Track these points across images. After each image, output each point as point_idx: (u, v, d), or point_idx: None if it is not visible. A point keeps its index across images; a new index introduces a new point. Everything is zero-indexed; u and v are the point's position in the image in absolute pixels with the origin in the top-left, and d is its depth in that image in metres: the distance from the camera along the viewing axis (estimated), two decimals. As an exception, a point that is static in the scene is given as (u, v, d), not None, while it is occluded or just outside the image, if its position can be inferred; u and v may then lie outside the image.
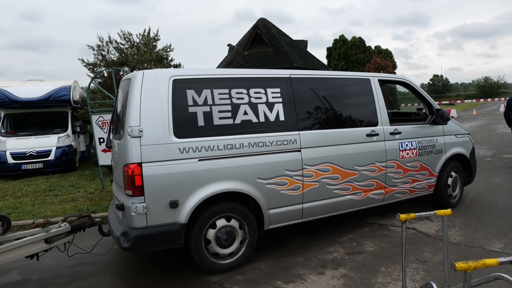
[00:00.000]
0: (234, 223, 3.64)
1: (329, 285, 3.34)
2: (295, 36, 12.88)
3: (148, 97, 3.25)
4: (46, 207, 6.54)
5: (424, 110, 5.45)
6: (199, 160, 3.37)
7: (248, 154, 3.61)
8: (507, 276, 1.94)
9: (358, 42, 17.04)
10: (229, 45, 12.36)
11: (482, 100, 57.97)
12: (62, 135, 11.14)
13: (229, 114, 3.55)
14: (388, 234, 4.56)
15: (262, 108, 3.74)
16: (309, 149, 3.95)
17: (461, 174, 5.53)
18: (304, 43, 13.46)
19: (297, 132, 3.90)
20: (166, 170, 3.24)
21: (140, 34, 17.64)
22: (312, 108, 4.07)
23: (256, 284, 3.42)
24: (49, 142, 10.69)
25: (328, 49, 18.34)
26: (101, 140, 7.89)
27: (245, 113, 3.64)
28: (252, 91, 3.73)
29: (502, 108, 26.98)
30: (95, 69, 14.78)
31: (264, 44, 11.32)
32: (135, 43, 17.21)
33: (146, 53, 16.13)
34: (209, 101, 3.48)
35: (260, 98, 3.76)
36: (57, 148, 10.77)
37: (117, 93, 4.16)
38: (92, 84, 10.72)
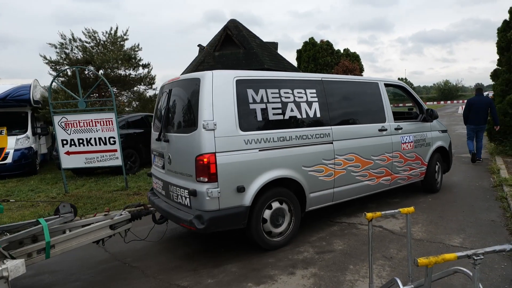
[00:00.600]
0: (284, 206, 4.20)
1: (299, 284, 3.38)
2: (265, 38, 13.01)
3: (218, 94, 3.69)
4: (2, 214, 6.15)
5: (414, 110, 6.36)
6: (259, 150, 3.91)
7: (295, 145, 4.21)
8: (465, 269, 2.05)
9: (326, 45, 17.39)
10: (199, 45, 12.23)
11: (442, 102, 61.11)
12: (21, 136, 10.55)
13: (280, 111, 4.14)
14: (356, 232, 4.68)
15: (303, 106, 4.37)
16: (339, 141, 4.66)
17: (441, 163, 6.52)
18: (274, 45, 13.57)
19: (330, 127, 4.59)
20: (235, 159, 3.72)
21: (106, 32, 17.07)
22: (339, 107, 4.78)
23: (227, 287, 3.40)
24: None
25: (298, 51, 18.59)
26: (64, 142, 7.55)
27: (292, 110, 4.24)
28: (295, 91, 4.34)
29: (460, 110, 28.55)
30: (57, 67, 14.13)
31: (234, 45, 11.30)
32: (101, 42, 16.62)
33: (113, 52, 15.62)
34: (264, 99, 4.04)
35: (302, 97, 4.38)
36: (15, 150, 10.19)
37: (165, 92, 4.50)
38: (54, 83, 10.23)
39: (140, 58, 17.34)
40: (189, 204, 3.83)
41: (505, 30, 9.35)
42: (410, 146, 5.72)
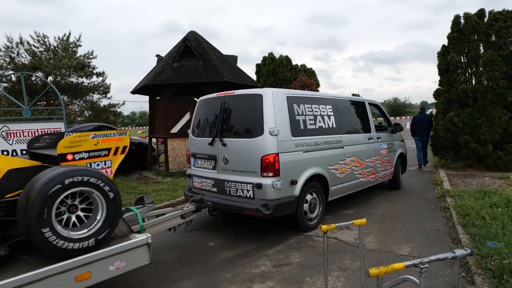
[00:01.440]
0: (315, 196, 5.30)
1: (257, 299, 3.35)
2: (223, 51, 13.07)
3: (277, 107, 4.72)
4: None
5: (384, 123, 7.95)
6: (303, 152, 5.01)
7: (323, 149, 5.39)
8: (412, 277, 2.16)
9: (285, 61, 17.87)
10: (157, 55, 12.00)
11: (392, 118, 64.92)
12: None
13: (313, 122, 5.31)
14: (312, 244, 4.77)
15: (325, 118, 5.58)
16: (347, 146, 5.95)
17: (401, 166, 8.14)
18: (234, 58, 13.69)
19: (341, 135, 5.85)
20: (290, 158, 4.75)
21: (58, 37, 16.24)
22: (345, 119, 6.08)
23: (183, 304, 3.28)
24: None
25: (257, 65, 18.89)
26: (5, 153, 6.97)
27: (319, 121, 5.44)
28: (320, 106, 5.53)
29: (408, 126, 30.49)
30: (0, 72, 13.16)
31: (194, 57, 11.23)
32: (52, 47, 15.77)
33: (65, 58, 14.87)
34: (304, 112, 5.17)
35: (324, 111, 5.59)
36: None
37: (212, 104, 5.33)
38: (-4, 90, 9.50)
39: (94, 66, 16.69)
40: (252, 196, 4.67)
41: (444, 54, 10.23)
42: (385, 151, 7.23)
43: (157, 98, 11.80)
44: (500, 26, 9.01)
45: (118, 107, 17.88)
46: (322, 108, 5.57)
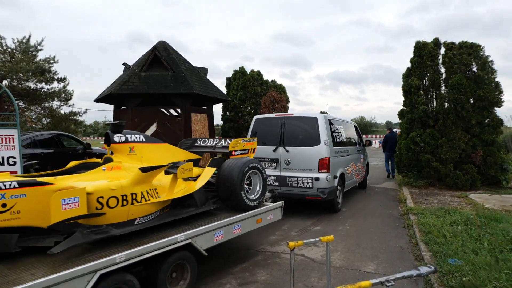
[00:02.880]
0: (340, 188, 7.65)
1: (220, 320, 3.23)
2: (193, 64, 12.98)
3: (326, 126, 7.14)
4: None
5: (357, 139, 9.80)
6: (337, 157, 7.45)
7: (342, 156, 7.85)
8: (379, 296, 2.16)
9: (257, 75, 18.08)
10: (124, 64, 11.72)
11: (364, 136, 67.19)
12: None
13: (338, 136, 7.80)
14: (279, 261, 4.72)
15: (341, 135, 8.12)
16: (350, 155, 8.51)
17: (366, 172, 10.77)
18: (204, 70, 13.67)
19: (347, 147, 8.37)
20: (333, 160, 7.15)
21: (17, 40, 15.52)
22: (347, 135, 8.71)
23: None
24: None
25: (228, 78, 18.95)
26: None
27: (340, 136, 7.95)
28: (338, 126, 8.09)
29: (374, 144, 31.65)
30: None
31: (163, 67, 11.08)
32: (9, 49, 15.03)
33: (23, 62, 14.18)
34: (334, 130, 7.62)
35: (340, 129, 8.19)
36: None
37: (272, 122, 7.56)
38: None
39: (56, 71, 16.02)
40: (311, 186, 6.91)
41: (408, 76, 10.79)
42: (362, 160, 9.77)
43: (122, 107, 11.47)
44: (453, 53, 9.73)
45: (79, 116, 17.18)
46: (339, 127, 8.12)
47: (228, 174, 4.46)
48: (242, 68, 18.56)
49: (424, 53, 10.13)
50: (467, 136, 9.58)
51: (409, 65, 10.80)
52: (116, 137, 4.39)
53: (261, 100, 17.39)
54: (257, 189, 4.85)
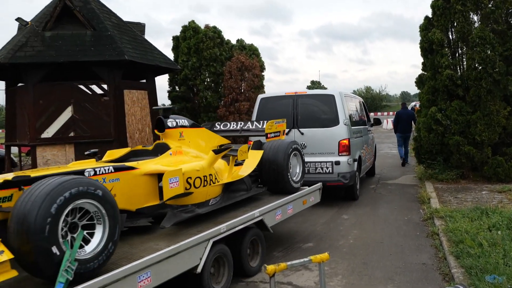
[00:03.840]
0: (357, 174, 9.40)
1: None
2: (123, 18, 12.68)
3: (344, 104, 8.87)
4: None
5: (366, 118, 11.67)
6: (355, 138, 9.26)
7: (359, 136, 9.74)
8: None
9: (213, 33, 17.83)
10: (19, 19, 11.31)
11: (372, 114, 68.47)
12: None
13: (354, 115, 9.87)
14: (257, 294, 4.81)
15: (355, 113, 10.15)
16: (364, 136, 10.41)
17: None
18: (140, 27, 13.42)
19: (361, 127, 10.24)
20: (353, 142, 8.85)
21: None
22: (360, 115, 10.82)
23: None
24: None
25: (175, 38, 18.57)
26: None
27: (354, 115, 10.00)
28: (352, 103, 10.14)
29: (385, 125, 32.41)
30: None
31: (78, 23, 10.77)
32: None
33: None
34: (350, 108, 9.42)
35: (354, 108, 10.17)
36: None
37: (284, 101, 9.20)
38: None
39: None
40: (331, 171, 8.49)
41: (427, 28, 11.05)
42: (371, 142, 11.79)
43: (19, 84, 11.13)
44: None
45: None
46: (351, 104, 9.87)
47: (273, 157, 6.12)
48: (193, 23, 18.31)
49: (453, -7, 10.25)
50: (508, 108, 9.97)
51: (428, 11, 11.07)
52: (169, 122, 5.76)
53: (224, 69, 17.26)
54: (297, 171, 6.66)
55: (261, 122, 7.10)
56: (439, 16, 10.61)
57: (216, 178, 5.19)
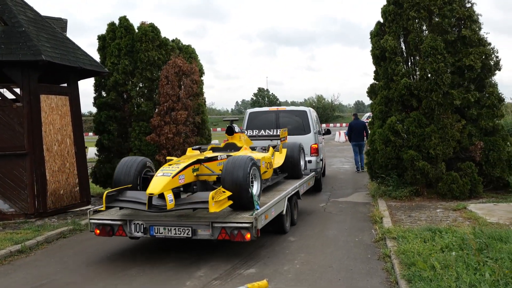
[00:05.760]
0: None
1: None
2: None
3: (313, 117, 14.53)
4: None
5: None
6: (319, 143, 14.58)
7: (320, 142, 15.28)
8: None
9: (151, 32, 17.56)
10: None
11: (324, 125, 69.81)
12: None
13: (316, 125, 14.77)
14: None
15: (318, 125, 16.50)
16: (320, 144, 14.86)
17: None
18: (61, 23, 13.11)
19: (319, 136, 15.59)
20: (319, 146, 14.27)
21: None
22: (317, 125, 15.80)
23: None
24: None
25: (101, 38, 18.09)
26: None
27: (315, 125, 14.87)
28: (315, 117, 15.88)
29: (338, 137, 33.25)
30: None
31: (-14, 16, 10.40)
32: None
33: None
34: (315, 121, 15.18)
35: (318, 120, 17.29)
36: None
37: (267, 115, 14.25)
38: None
39: None
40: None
41: (379, 34, 11.46)
42: (323, 147, 16.50)
43: None
44: (444, 1, 10.51)
45: None
46: (315, 118, 14.57)
47: (291, 153, 10.53)
48: (125, 20, 17.90)
49: (405, -1, 10.70)
50: (463, 121, 10.48)
51: (379, 16, 11.50)
52: (236, 128, 9.85)
53: (160, 74, 17.01)
54: (302, 163, 10.95)
55: (273, 130, 11.74)
56: (391, 22, 11.05)
57: (271, 164, 9.40)
